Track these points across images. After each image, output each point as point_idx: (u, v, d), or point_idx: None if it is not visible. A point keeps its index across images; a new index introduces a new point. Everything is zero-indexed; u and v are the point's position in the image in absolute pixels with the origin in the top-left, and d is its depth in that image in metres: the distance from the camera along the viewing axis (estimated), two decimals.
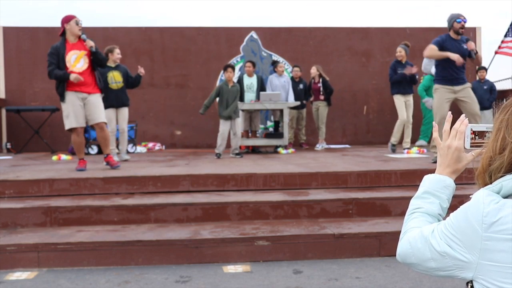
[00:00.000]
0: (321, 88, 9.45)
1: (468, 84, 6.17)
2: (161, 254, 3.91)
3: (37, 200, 4.78)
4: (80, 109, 5.72)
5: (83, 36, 5.70)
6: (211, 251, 3.94)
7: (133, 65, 8.55)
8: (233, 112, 7.77)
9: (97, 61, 5.78)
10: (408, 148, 8.06)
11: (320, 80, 9.49)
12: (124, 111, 7.33)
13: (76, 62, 5.67)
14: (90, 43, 5.68)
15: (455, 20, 5.97)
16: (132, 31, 10.51)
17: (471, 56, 6.09)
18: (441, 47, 5.99)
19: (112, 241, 3.96)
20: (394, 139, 8.02)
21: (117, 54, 7.28)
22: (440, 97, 5.99)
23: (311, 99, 9.68)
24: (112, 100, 7.16)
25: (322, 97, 9.49)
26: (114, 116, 7.23)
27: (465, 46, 6.03)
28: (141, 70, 7.35)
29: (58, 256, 3.85)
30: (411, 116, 8.19)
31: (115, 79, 7.22)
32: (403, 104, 8.08)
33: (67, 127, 5.76)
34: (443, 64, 6.01)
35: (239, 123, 8.03)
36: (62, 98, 5.69)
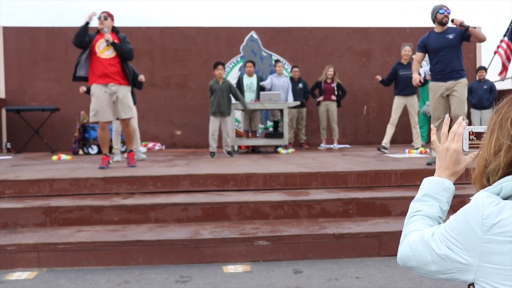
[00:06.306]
0: (335, 89, 9.48)
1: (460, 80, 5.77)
2: (161, 254, 3.92)
3: (37, 200, 4.78)
4: (106, 103, 5.89)
5: (104, 30, 5.93)
6: (211, 251, 3.95)
7: (133, 65, 8.54)
8: (224, 109, 7.67)
9: (120, 54, 5.91)
10: (415, 147, 8.12)
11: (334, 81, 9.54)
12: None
13: (105, 49, 5.90)
14: (106, 36, 5.85)
15: (438, 11, 5.76)
16: (132, 31, 10.50)
17: (466, 38, 5.62)
18: (425, 48, 5.84)
19: (112, 241, 3.96)
20: (384, 140, 8.10)
21: None
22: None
23: (320, 98, 9.64)
24: None
25: (334, 98, 9.51)
26: None
27: (450, 37, 5.68)
28: (141, 77, 7.22)
29: (58, 256, 3.86)
30: (416, 116, 8.23)
31: None
32: (398, 106, 8.12)
33: (91, 120, 6.04)
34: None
35: (230, 122, 7.92)
36: (88, 91, 5.91)
